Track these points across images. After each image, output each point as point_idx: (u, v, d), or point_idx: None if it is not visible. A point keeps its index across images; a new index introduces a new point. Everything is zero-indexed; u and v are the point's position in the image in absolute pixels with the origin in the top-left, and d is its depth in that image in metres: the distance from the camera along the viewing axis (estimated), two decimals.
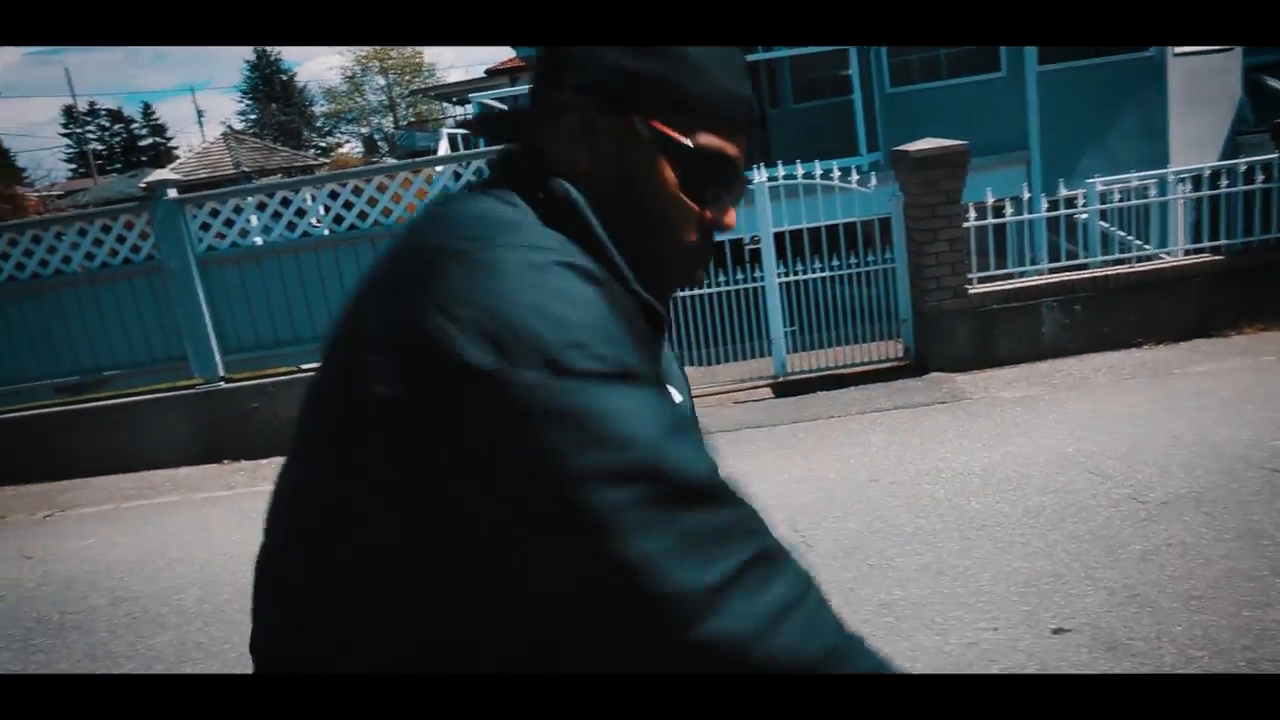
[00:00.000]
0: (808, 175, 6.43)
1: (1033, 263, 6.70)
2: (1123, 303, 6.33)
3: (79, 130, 53.41)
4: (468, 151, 6.51)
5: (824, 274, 6.51)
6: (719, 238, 0.96)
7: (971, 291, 6.31)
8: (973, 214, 6.31)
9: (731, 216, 0.87)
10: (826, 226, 6.53)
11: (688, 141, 0.81)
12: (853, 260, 6.50)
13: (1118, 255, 6.56)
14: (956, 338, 6.33)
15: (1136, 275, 6.35)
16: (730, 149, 0.83)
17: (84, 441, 6.49)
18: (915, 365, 6.49)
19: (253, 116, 49.32)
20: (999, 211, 6.41)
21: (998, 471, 4.46)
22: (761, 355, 6.66)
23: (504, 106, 10.52)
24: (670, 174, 0.82)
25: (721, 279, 6.49)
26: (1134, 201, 6.69)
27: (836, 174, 6.40)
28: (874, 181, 6.44)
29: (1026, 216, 6.46)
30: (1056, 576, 3.38)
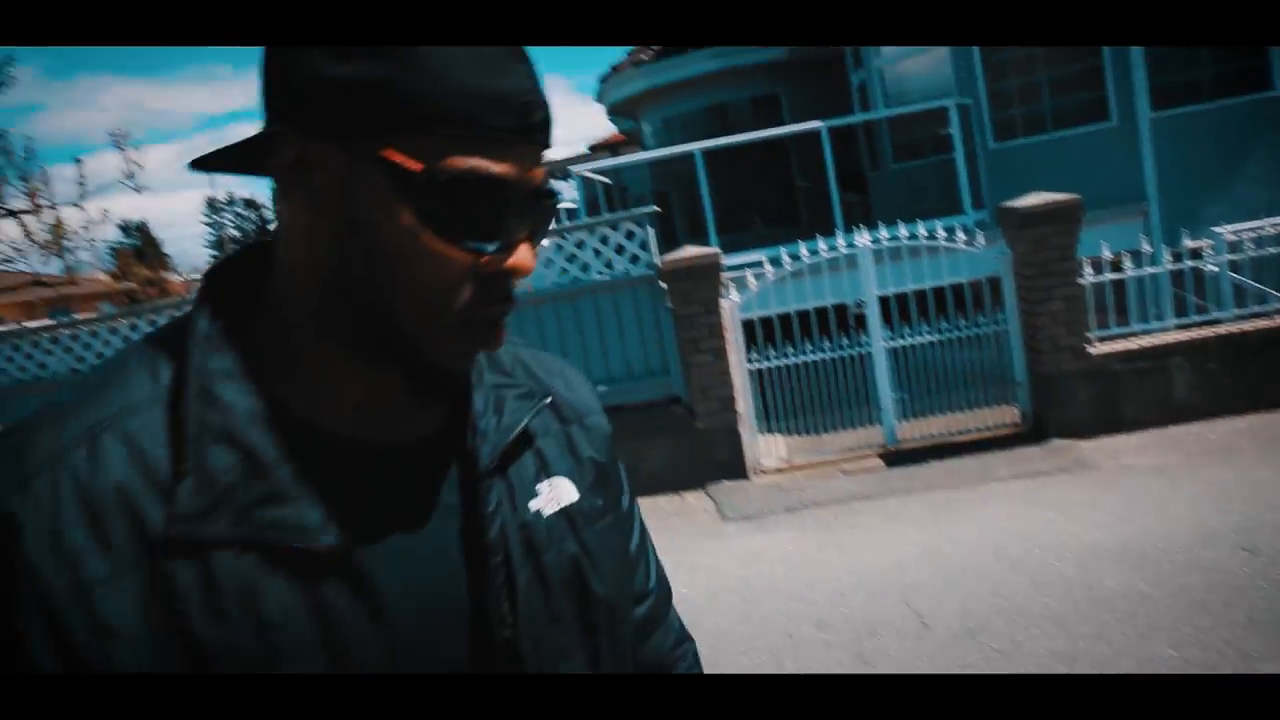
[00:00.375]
0: (911, 236, 6.29)
1: (1157, 319, 6.32)
2: (1263, 360, 5.89)
3: (218, 218, 57.64)
4: (568, 225, 6.63)
5: (932, 337, 6.30)
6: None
7: (1091, 352, 5.99)
8: (1088, 270, 6.02)
9: (523, 255, 0.65)
10: (933, 288, 6.34)
11: (424, 168, 0.60)
12: (962, 322, 6.29)
13: (1253, 309, 6.13)
14: (1077, 401, 5.99)
15: (1277, 330, 5.91)
16: (498, 168, 0.62)
17: None
18: (1034, 431, 6.17)
19: None
20: (1117, 266, 6.11)
21: (1134, 547, 4.14)
22: (870, 423, 6.46)
23: (606, 180, 10.72)
24: (410, 216, 0.61)
25: (826, 345, 6.36)
26: (1269, 250, 6.27)
27: (941, 234, 6.24)
28: (981, 240, 6.24)
29: (1148, 270, 6.13)
30: (1211, 668, 3.08)
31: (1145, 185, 8.95)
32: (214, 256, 53.34)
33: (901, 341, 6.32)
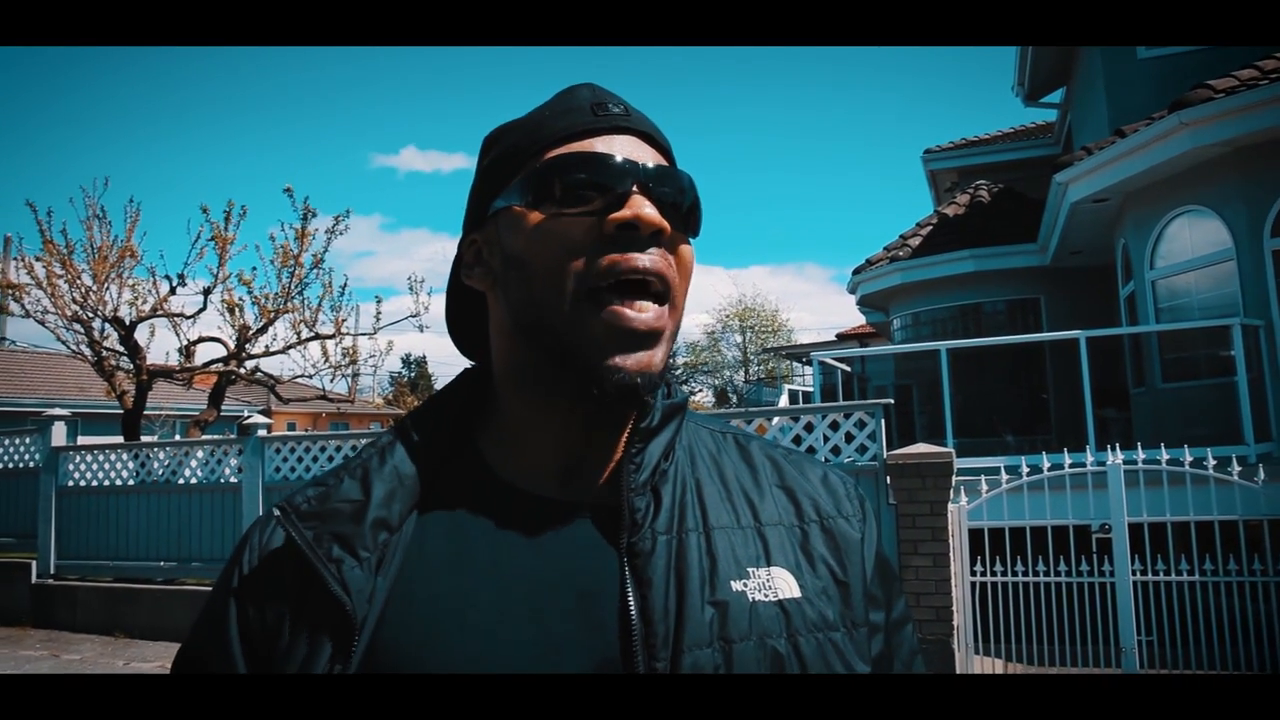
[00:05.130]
0: (1174, 461, 5.68)
1: None
2: None
3: None
4: (799, 406, 6.63)
5: (1193, 578, 5.53)
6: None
7: None
8: None
9: (635, 207, 0.71)
10: (1196, 522, 5.61)
11: (526, 173, 0.75)
12: (1233, 566, 5.48)
13: None
14: None
15: None
16: (581, 147, 0.75)
17: None
18: None
19: None
20: None
21: None
22: (1106, 664, 5.68)
23: (843, 367, 10.69)
24: (535, 215, 0.74)
25: (1063, 567, 5.77)
26: None
27: (1212, 463, 5.58)
28: (1262, 475, 5.51)
29: None
30: None
31: None
32: None
33: (1153, 577, 5.60)
